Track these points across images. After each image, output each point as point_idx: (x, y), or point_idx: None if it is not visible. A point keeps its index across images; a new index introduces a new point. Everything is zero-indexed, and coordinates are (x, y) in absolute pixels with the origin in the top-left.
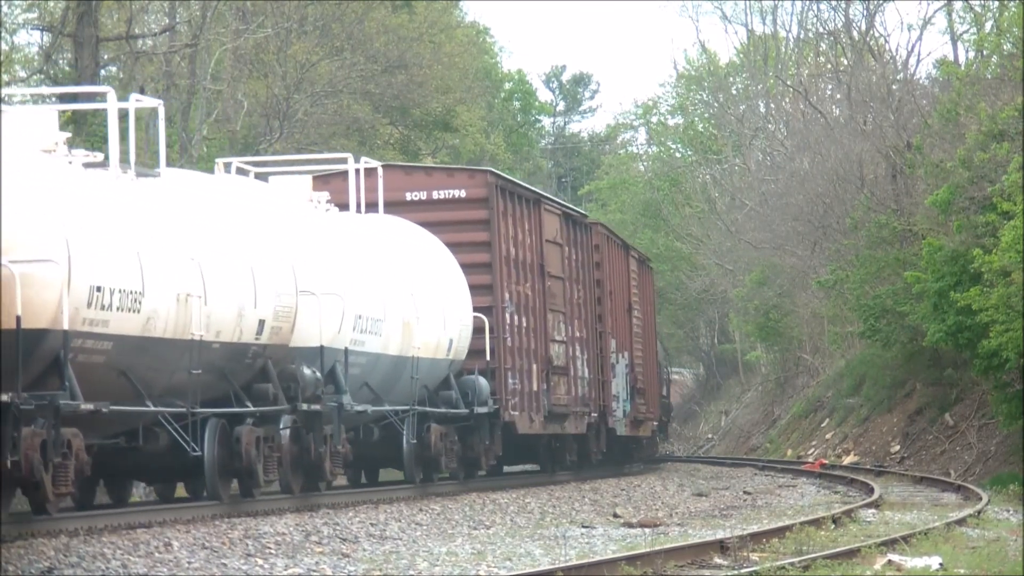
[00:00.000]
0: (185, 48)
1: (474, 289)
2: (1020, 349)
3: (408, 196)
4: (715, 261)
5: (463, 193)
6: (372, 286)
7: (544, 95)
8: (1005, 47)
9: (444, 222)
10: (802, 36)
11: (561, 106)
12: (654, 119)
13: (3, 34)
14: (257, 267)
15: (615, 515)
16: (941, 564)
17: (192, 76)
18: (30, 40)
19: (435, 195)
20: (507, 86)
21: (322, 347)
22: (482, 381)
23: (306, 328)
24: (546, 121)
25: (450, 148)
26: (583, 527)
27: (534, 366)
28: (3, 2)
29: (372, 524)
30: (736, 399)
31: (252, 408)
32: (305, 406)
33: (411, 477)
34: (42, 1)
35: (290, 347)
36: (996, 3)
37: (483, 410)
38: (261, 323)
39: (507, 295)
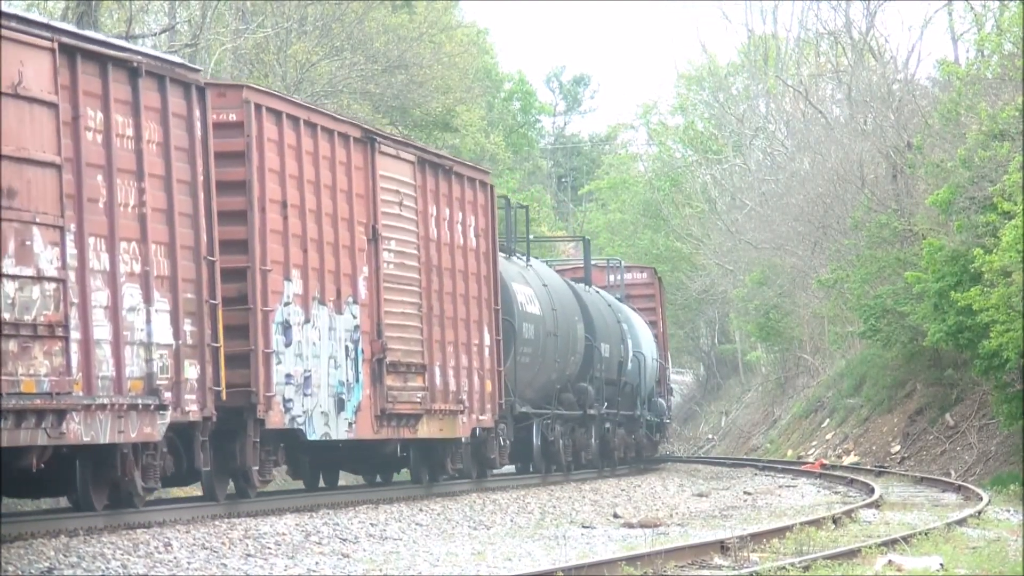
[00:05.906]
0: (185, 48)
1: None
2: (1020, 349)
3: None
4: (715, 261)
5: None
6: None
7: (544, 95)
8: (1005, 47)
9: None
10: (802, 36)
11: (561, 106)
12: (654, 119)
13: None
14: None
15: (615, 515)
16: (941, 564)
17: None
18: None
19: None
20: (507, 86)
21: None
22: None
23: None
24: (546, 121)
25: (450, 148)
26: (583, 527)
27: None
28: (3, 2)
29: (372, 524)
30: (736, 399)
31: None
32: None
33: None
34: (42, 1)
35: None
36: (997, 3)
37: None
38: None
39: None
